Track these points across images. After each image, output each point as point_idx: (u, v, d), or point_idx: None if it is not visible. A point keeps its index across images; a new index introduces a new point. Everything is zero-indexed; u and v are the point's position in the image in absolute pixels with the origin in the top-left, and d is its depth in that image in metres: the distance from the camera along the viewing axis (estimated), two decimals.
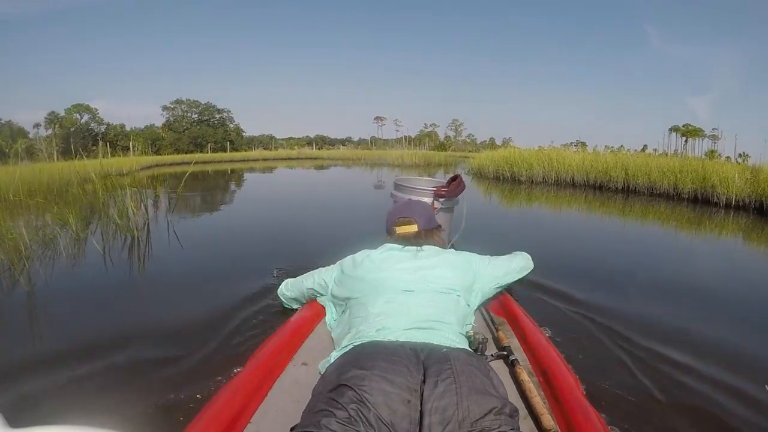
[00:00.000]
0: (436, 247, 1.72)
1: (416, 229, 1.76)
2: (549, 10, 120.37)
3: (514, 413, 1.05)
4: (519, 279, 2.00)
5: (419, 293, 1.49)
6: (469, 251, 1.89)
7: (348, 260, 1.76)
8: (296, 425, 1.03)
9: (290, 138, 68.17)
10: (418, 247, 1.69)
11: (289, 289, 2.14)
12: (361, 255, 1.72)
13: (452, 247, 2.95)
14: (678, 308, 2.77)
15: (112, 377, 1.75)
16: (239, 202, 9.00)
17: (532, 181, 11.67)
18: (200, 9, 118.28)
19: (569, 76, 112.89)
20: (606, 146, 13.19)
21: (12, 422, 0.58)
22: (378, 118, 68.67)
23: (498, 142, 58.31)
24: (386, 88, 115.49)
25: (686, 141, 55.45)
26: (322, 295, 1.89)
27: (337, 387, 1.03)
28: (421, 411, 0.99)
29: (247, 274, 2.97)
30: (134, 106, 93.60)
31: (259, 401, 1.32)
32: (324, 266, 1.95)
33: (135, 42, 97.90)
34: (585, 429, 1.15)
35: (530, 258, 2.08)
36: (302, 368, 1.53)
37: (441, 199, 3.04)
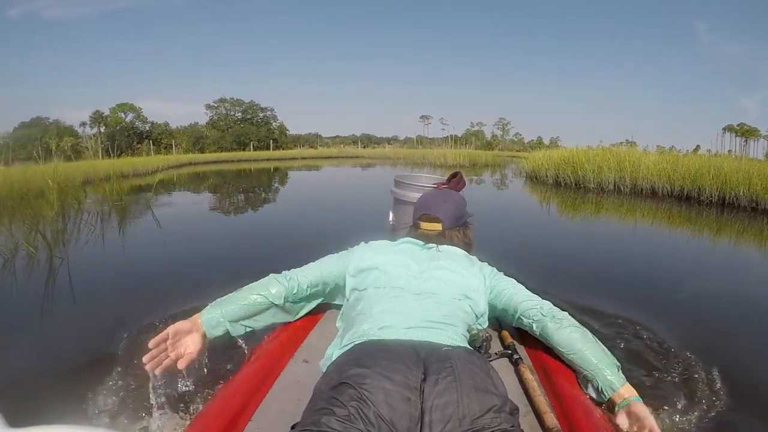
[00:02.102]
0: (455, 250, 1.67)
1: (440, 229, 1.74)
2: (596, 8, 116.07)
3: (514, 411, 1.05)
4: (539, 329, 1.54)
5: (428, 294, 1.46)
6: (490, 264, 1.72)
7: (362, 247, 1.68)
8: (297, 423, 1.00)
9: (336, 137, 68.59)
10: (437, 248, 1.64)
11: (299, 278, 1.64)
12: (380, 244, 1.67)
13: None
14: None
15: (112, 377, 1.72)
16: (223, 221, 6.70)
17: (603, 189, 9.46)
18: (256, 10, 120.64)
19: (617, 74, 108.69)
20: (658, 146, 11.24)
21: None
22: (424, 117, 67.59)
23: (545, 141, 57.19)
24: (433, 87, 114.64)
25: (746, 142, 52.31)
26: (334, 284, 1.67)
27: (338, 385, 1.01)
28: (421, 409, 0.99)
29: None
30: (180, 105, 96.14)
31: (260, 399, 1.28)
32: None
33: (185, 43, 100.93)
34: (586, 427, 1.15)
35: (563, 318, 1.53)
36: (303, 366, 1.48)
37: None
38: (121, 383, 1.69)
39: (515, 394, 1.30)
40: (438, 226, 1.74)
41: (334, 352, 1.33)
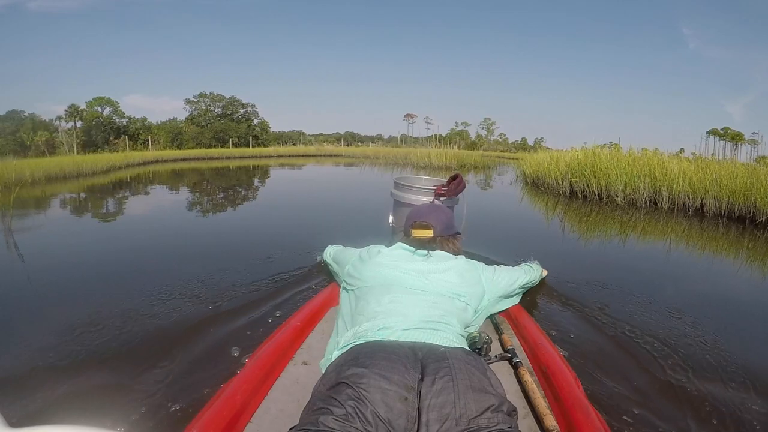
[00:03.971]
0: (446, 253, 1.75)
1: (431, 235, 1.81)
2: (580, 11, 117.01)
3: (512, 411, 1.06)
4: (527, 288, 2.17)
5: (424, 295, 1.51)
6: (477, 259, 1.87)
7: (367, 249, 1.80)
8: (296, 425, 1.01)
9: (320, 134, 67.84)
10: (429, 252, 1.72)
11: (331, 252, 2.45)
12: (377, 248, 1.77)
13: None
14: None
15: (111, 377, 1.67)
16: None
17: (633, 203, 7.99)
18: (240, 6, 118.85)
19: (601, 77, 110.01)
20: (643, 149, 10.49)
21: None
22: (408, 116, 66.73)
23: (530, 142, 57.73)
24: (418, 86, 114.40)
25: (736, 146, 52.83)
26: (341, 269, 1.95)
27: (336, 385, 1.04)
28: (419, 408, 1.00)
29: None
30: (166, 101, 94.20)
31: (260, 401, 1.31)
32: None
33: (170, 39, 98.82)
34: (585, 428, 1.15)
35: (539, 268, 2.33)
36: (302, 367, 1.50)
37: (441, 199, 3.06)
38: (121, 383, 1.66)
39: (515, 396, 1.38)
40: (429, 233, 1.81)
41: (333, 352, 1.36)
